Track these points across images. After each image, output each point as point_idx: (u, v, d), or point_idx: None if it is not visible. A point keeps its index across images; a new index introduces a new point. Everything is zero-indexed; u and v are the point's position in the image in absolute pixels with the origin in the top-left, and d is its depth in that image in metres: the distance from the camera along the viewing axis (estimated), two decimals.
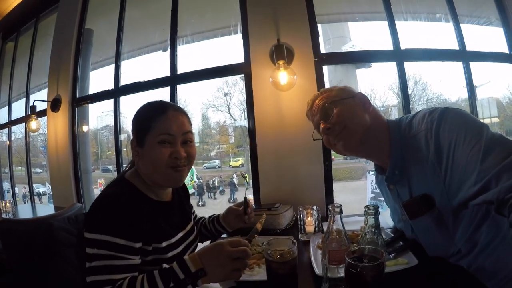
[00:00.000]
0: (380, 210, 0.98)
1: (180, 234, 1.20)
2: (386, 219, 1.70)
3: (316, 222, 1.62)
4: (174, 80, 2.91)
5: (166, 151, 1.09)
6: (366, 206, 0.96)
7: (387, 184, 1.31)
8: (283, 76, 2.21)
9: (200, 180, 16.79)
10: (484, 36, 3.27)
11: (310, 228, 1.62)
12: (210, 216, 1.62)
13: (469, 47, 2.71)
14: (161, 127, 1.09)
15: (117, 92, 3.29)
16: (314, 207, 1.64)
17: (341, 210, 0.96)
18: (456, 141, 0.99)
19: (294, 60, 2.32)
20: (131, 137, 1.16)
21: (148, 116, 1.12)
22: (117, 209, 0.97)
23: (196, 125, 17.66)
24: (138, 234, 0.98)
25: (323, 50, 2.42)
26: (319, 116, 1.29)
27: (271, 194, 2.35)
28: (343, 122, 1.21)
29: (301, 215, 1.64)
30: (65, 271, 1.41)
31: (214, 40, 4.65)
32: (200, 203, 13.28)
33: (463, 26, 2.75)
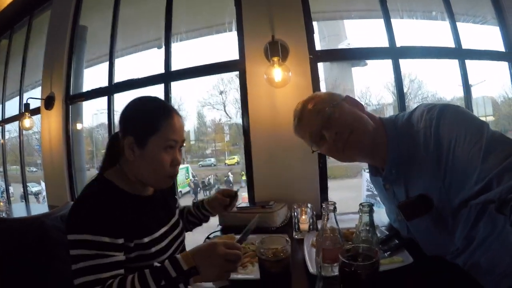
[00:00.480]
0: (375, 208, 0.97)
1: (164, 229, 1.18)
2: (382, 217, 1.70)
3: (311, 220, 1.62)
4: (168, 77, 2.88)
5: (168, 157, 1.10)
6: (360, 204, 0.96)
7: (383, 184, 1.29)
8: (277, 72, 2.19)
9: (196, 178, 16.79)
10: (480, 34, 3.27)
11: (304, 226, 1.62)
12: (194, 203, 1.61)
13: (465, 45, 2.70)
14: (169, 132, 1.09)
15: (111, 89, 3.26)
16: (309, 205, 1.64)
17: (335, 208, 0.95)
18: (456, 140, 0.97)
19: (289, 57, 2.30)
20: (125, 134, 1.10)
21: (153, 117, 1.09)
22: (96, 207, 0.96)
23: (191, 123, 17.62)
24: (119, 230, 0.97)
25: (318, 48, 2.41)
26: (318, 124, 1.20)
27: (266, 191, 2.33)
28: (350, 126, 1.16)
29: (295, 213, 1.63)
30: (59, 269, 1.40)
31: (209, 37, 4.63)
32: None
33: (459, 24, 2.75)
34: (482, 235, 0.99)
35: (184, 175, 16.94)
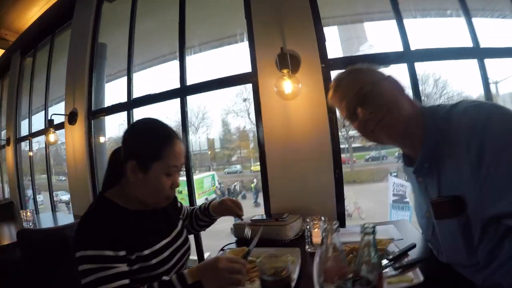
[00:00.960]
0: (402, 211, 0.93)
1: (164, 241, 1.22)
2: (399, 229, 1.70)
3: (324, 234, 1.60)
4: (183, 92, 2.94)
5: (169, 181, 1.15)
6: (362, 226, 0.94)
7: (416, 176, 1.20)
8: (287, 85, 2.18)
9: (222, 185, 16.91)
10: (500, 30, 3.14)
11: (317, 239, 1.61)
12: (200, 208, 1.66)
13: (484, 43, 2.58)
14: (172, 158, 1.13)
15: (130, 104, 3.36)
16: (322, 218, 1.62)
17: (337, 227, 0.95)
18: (502, 149, 0.89)
19: (301, 67, 2.30)
20: (128, 158, 1.14)
21: (157, 144, 1.13)
22: (96, 225, 1.04)
23: (216, 131, 17.95)
24: (119, 243, 1.03)
25: (340, 51, 2.38)
26: (352, 100, 1.12)
27: (281, 203, 2.34)
28: (385, 108, 1.07)
29: (308, 226, 1.62)
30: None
31: (225, 48, 4.70)
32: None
33: (476, 21, 2.64)
34: (507, 255, 0.93)
35: (210, 183, 17.24)
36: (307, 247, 1.60)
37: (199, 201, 16.13)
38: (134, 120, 1.25)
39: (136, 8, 3.54)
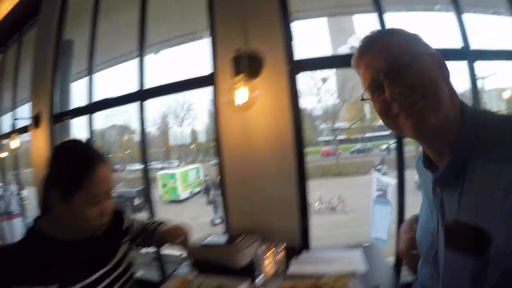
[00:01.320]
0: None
1: (101, 271, 1.16)
2: (368, 256, 1.58)
3: (278, 264, 1.43)
4: (141, 96, 2.72)
5: (96, 210, 1.09)
6: None
7: (433, 187, 0.94)
8: (241, 93, 1.90)
9: (207, 177, 16.95)
10: (493, 28, 2.92)
11: (269, 270, 1.42)
12: (151, 230, 1.52)
13: (475, 43, 2.31)
14: (93, 187, 1.07)
15: (90, 108, 3.17)
16: (278, 245, 1.45)
17: None
18: None
19: (265, 69, 2.05)
20: (51, 187, 1.07)
21: (75, 174, 1.06)
22: (25, 259, 1.01)
23: (202, 123, 18.51)
24: (50, 277, 0.99)
25: (329, 45, 2.14)
26: (381, 70, 0.86)
27: (241, 219, 2.16)
28: (421, 91, 0.82)
29: (258, 254, 1.42)
30: None
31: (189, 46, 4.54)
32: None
33: (468, 16, 2.39)
34: None
35: (195, 176, 17.31)
36: (256, 279, 1.40)
37: (184, 194, 16.25)
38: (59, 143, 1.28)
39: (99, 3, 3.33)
